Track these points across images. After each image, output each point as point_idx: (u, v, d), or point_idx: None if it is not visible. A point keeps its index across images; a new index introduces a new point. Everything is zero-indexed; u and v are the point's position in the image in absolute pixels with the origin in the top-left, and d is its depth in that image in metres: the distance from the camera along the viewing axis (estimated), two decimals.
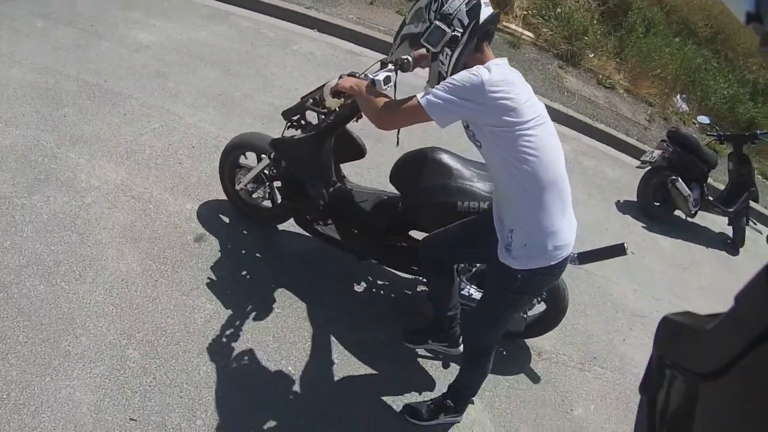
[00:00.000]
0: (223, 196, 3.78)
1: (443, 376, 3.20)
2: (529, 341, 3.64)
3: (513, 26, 7.82)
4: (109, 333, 2.88)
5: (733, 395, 0.62)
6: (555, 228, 2.25)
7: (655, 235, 5.70)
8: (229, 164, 3.60)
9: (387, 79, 2.51)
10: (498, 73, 2.07)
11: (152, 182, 3.85)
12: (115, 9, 5.81)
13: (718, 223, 6.42)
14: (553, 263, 2.29)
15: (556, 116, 6.70)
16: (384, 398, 3.02)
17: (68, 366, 2.68)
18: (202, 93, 4.88)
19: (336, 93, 2.70)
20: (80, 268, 3.15)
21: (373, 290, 3.64)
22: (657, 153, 5.79)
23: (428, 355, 3.30)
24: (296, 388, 2.93)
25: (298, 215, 3.52)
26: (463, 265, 3.32)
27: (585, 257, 3.23)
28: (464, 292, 3.28)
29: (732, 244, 6.18)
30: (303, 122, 3.21)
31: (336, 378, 3.04)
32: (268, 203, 3.65)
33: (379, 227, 3.31)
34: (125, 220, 3.53)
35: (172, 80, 4.92)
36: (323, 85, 2.83)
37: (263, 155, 3.42)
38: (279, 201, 3.58)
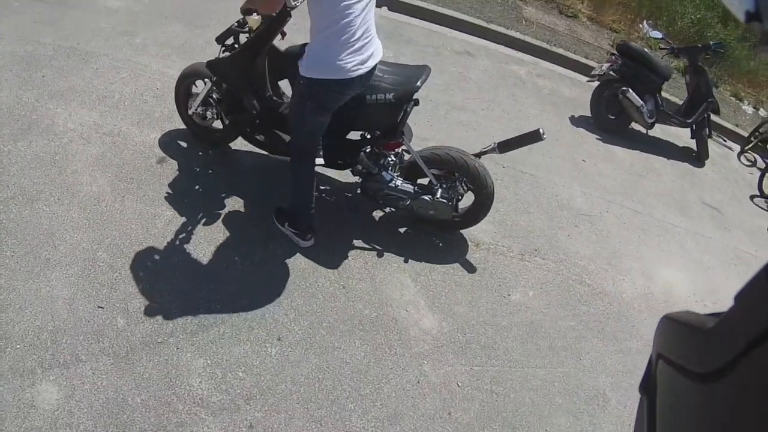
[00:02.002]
0: (182, 126, 4.10)
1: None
2: (467, 234, 3.87)
3: None
4: (82, 241, 3.25)
5: (733, 395, 0.61)
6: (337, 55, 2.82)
7: (611, 146, 5.84)
8: (183, 93, 3.90)
9: None
10: None
11: (121, 120, 4.15)
12: None
13: (682, 138, 6.52)
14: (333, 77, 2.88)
15: (512, 42, 6.85)
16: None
17: (48, 271, 3.06)
18: (167, 44, 5.13)
19: (246, 11, 3.03)
20: (58, 194, 3.50)
21: None
22: (606, 66, 5.95)
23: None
24: (238, 269, 3.34)
25: (240, 129, 3.81)
26: (392, 160, 3.57)
27: (504, 145, 3.51)
28: (391, 184, 3.53)
29: (696, 157, 6.29)
30: (236, 45, 3.48)
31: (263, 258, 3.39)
32: (218, 124, 3.94)
33: None
34: (97, 152, 3.85)
35: (139, 36, 5.16)
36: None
37: (206, 80, 3.68)
38: (226, 121, 3.86)
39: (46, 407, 2.52)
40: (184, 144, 4.10)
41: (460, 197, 3.64)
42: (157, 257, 3.29)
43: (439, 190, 3.54)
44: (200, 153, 4.06)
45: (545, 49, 7.02)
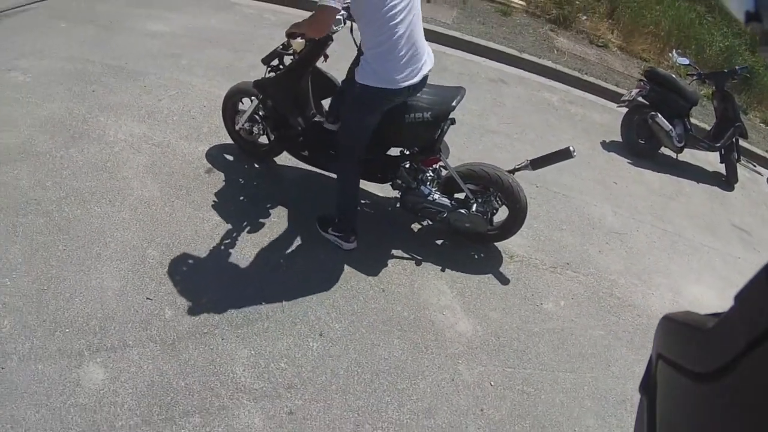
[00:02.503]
0: (229, 141, 4.40)
1: None
2: (501, 247, 4.05)
3: None
4: (132, 240, 3.53)
5: (733, 395, 0.61)
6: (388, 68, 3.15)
7: (641, 169, 5.98)
8: (230, 109, 4.20)
9: None
10: None
11: (170, 133, 4.48)
12: (131, 7, 6.43)
13: (711, 163, 6.61)
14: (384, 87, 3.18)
15: (545, 71, 7.06)
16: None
17: (99, 264, 3.33)
18: (211, 67, 5.49)
19: (290, 35, 3.34)
20: (110, 196, 3.80)
21: None
22: (635, 92, 6.13)
23: None
24: (282, 271, 3.57)
25: (285, 145, 4.08)
26: (430, 175, 3.78)
27: (536, 162, 3.73)
28: (429, 198, 3.75)
29: (726, 181, 6.37)
30: (281, 66, 3.76)
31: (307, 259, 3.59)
32: (264, 139, 4.23)
33: None
34: (147, 161, 4.17)
35: (185, 59, 5.53)
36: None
37: (253, 98, 3.96)
38: (272, 137, 4.14)
39: (91, 386, 2.73)
40: (230, 157, 4.38)
41: (494, 211, 3.84)
42: (204, 257, 3.53)
43: (475, 204, 3.74)
44: (246, 166, 4.35)
45: (577, 77, 7.23)
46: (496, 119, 5.83)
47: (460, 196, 3.82)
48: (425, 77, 3.36)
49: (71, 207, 3.67)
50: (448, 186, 3.82)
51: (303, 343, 3.15)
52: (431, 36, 6.78)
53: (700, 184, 6.20)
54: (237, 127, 4.13)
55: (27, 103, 4.53)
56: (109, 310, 3.09)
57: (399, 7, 3.01)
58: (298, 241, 3.80)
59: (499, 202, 3.80)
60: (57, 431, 2.55)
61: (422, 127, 3.52)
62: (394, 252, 3.86)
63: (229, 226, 3.78)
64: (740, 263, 4.97)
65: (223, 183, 4.13)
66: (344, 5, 3.07)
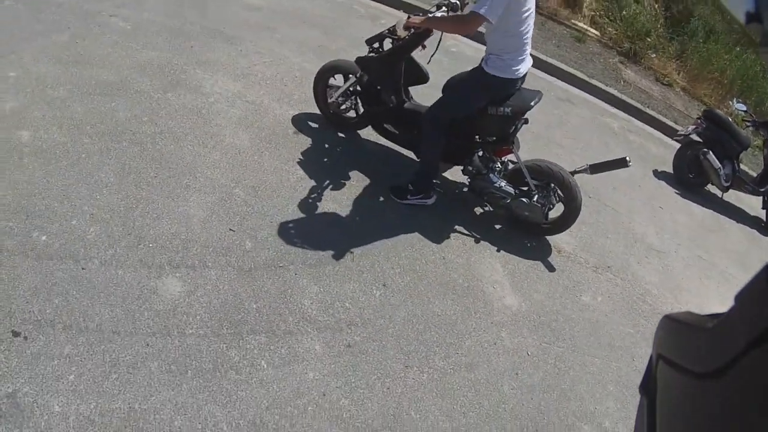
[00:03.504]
0: (316, 111, 4.88)
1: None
2: (552, 241, 4.44)
3: (580, 24, 8.59)
4: (221, 178, 3.99)
5: (733, 395, 0.61)
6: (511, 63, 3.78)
7: (687, 200, 6.30)
8: (322, 84, 4.67)
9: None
10: None
11: (262, 94, 4.96)
12: None
13: (754, 208, 6.85)
14: (508, 77, 3.80)
15: (609, 98, 7.41)
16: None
17: (187, 194, 3.78)
18: (304, 44, 5.98)
19: (407, 27, 3.86)
20: (203, 139, 4.28)
21: None
22: (691, 128, 6.47)
23: None
24: (356, 226, 4.01)
25: (372, 119, 4.58)
26: (499, 165, 4.26)
27: (595, 167, 4.17)
28: (496, 185, 4.20)
29: (765, 226, 6.61)
30: (380, 49, 4.27)
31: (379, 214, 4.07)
32: (352, 113, 4.72)
33: None
34: (240, 114, 4.65)
35: (279, 33, 6.02)
36: (395, 24, 3.95)
37: (350, 75, 4.44)
38: (361, 111, 4.65)
39: (167, 296, 3.13)
40: (315, 125, 4.85)
41: (551, 206, 4.25)
42: (287, 203, 3.98)
43: (536, 196, 4.16)
44: (330, 134, 4.82)
45: (639, 108, 7.56)
46: (560, 133, 6.22)
47: (523, 188, 4.24)
48: (525, 74, 3.94)
49: (165, 142, 4.15)
50: (513, 178, 4.24)
51: (367, 290, 3.57)
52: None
53: (740, 224, 6.45)
54: (330, 100, 4.59)
55: (127, 48, 5.07)
56: (192, 234, 3.52)
57: (530, 20, 3.67)
58: (372, 203, 4.26)
59: (557, 199, 4.21)
60: (128, 330, 2.94)
61: (502, 120, 3.97)
62: (457, 228, 4.29)
63: (312, 182, 4.23)
64: None
65: (309, 145, 4.60)
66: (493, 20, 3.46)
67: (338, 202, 4.15)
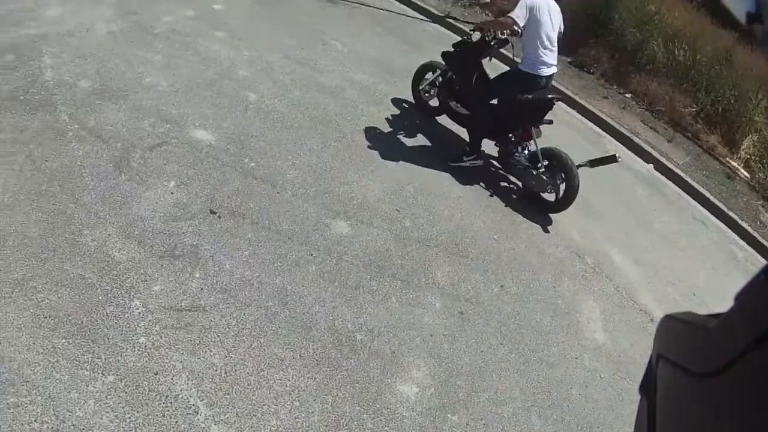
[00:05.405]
0: (410, 99, 6.51)
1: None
2: (646, 310, 5.05)
3: (734, 163, 9.06)
4: (398, 174, 5.32)
5: (733, 395, 0.62)
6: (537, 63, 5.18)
7: None
8: (418, 76, 6.33)
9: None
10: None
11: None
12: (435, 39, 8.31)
13: None
14: (533, 72, 5.18)
15: (741, 232, 7.75)
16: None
17: (371, 177, 5.05)
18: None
19: (478, 29, 5.32)
20: (392, 142, 5.60)
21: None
22: None
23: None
24: (493, 236, 5.00)
25: (446, 107, 6.10)
26: (522, 146, 5.65)
27: (593, 162, 5.50)
28: (516, 157, 5.60)
29: None
30: (457, 48, 5.76)
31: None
32: (435, 102, 6.27)
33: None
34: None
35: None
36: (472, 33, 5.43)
37: (437, 70, 6.06)
38: (441, 101, 6.12)
39: (337, 231, 4.27)
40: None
41: (555, 182, 5.39)
42: (443, 207, 5.09)
43: (543, 169, 5.35)
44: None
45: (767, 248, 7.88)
46: (684, 243, 6.74)
47: (537, 165, 5.43)
48: (552, 75, 5.31)
49: (362, 138, 5.50)
50: (531, 158, 5.51)
51: (488, 284, 4.42)
52: (664, 170, 8.00)
53: None
54: (420, 88, 6.22)
55: (342, 65, 6.71)
56: (367, 203, 4.64)
57: (548, 31, 5.11)
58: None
59: (561, 178, 5.35)
60: (300, 240, 4.05)
61: (527, 106, 5.27)
62: (572, 267, 5.12)
63: (467, 193, 5.47)
64: None
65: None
66: (521, 26, 4.99)
67: (494, 209, 5.32)
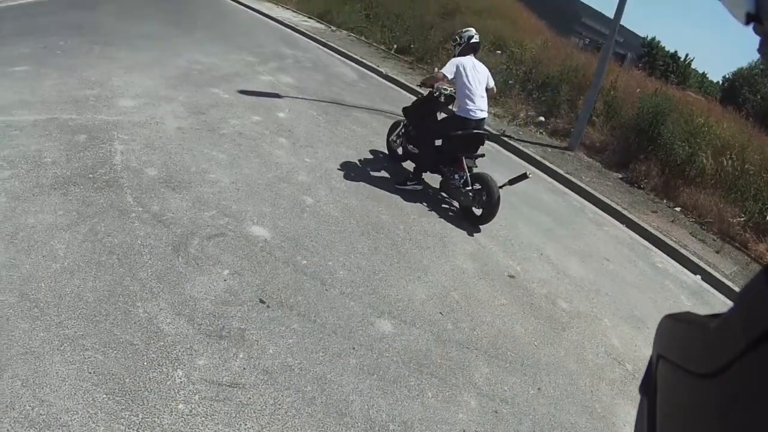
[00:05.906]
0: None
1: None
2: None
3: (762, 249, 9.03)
4: (444, 282, 5.46)
5: (733, 395, 0.59)
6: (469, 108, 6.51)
7: None
8: (391, 129, 7.73)
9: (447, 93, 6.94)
10: (465, 59, 6.60)
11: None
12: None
13: None
14: (465, 116, 6.50)
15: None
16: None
17: (416, 283, 5.14)
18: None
19: (421, 84, 7.01)
20: (439, 254, 5.91)
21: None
22: None
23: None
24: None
25: (405, 151, 7.49)
26: (458, 174, 6.83)
27: (511, 181, 6.80)
28: (453, 184, 6.82)
29: None
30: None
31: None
32: (400, 150, 7.61)
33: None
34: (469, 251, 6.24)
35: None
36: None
37: (401, 124, 7.50)
38: (402, 147, 7.54)
39: (380, 330, 4.37)
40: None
41: (481, 199, 6.54)
42: (484, 317, 5.16)
43: (470, 190, 6.57)
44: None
45: None
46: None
47: (468, 187, 6.63)
48: (483, 119, 6.57)
49: (411, 247, 5.85)
50: (465, 184, 6.64)
51: (524, 390, 4.35)
52: (712, 280, 8.02)
53: None
54: (389, 139, 7.68)
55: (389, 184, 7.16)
56: (411, 304, 4.76)
57: (474, 85, 6.48)
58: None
59: (484, 195, 6.45)
60: (345, 335, 4.16)
61: (459, 141, 6.59)
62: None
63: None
64: None
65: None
66: (448, 81, 6.49)
67: (536, 316, 5.28)
